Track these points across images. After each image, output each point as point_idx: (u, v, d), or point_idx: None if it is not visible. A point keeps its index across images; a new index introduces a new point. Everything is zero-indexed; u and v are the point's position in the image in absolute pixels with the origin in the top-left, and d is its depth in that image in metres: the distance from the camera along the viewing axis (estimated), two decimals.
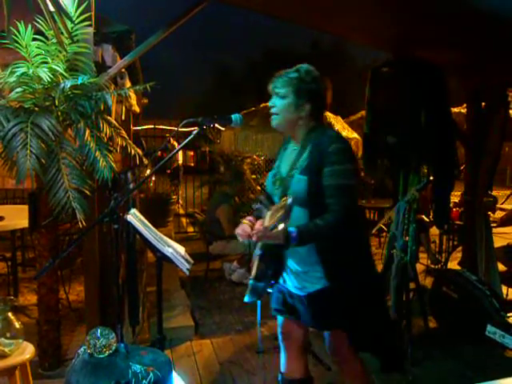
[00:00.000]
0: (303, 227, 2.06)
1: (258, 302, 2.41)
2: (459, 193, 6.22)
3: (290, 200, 2.04)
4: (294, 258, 2.29)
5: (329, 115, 6.27)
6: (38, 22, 2.92)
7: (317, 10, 3.61)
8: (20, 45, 2.91)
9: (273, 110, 2.26)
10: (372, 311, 2.34)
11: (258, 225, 2.10)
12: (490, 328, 3.73)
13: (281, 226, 1.96)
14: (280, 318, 2.56)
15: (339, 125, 6.27)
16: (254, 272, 2.19)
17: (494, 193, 5.37)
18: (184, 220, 9.88)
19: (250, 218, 2.42)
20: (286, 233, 1.99)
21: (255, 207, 2.22)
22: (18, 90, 2.97)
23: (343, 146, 2.18)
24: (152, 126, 12.77)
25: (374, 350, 2.45)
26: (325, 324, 2.32)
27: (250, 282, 2.21)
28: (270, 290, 2.45)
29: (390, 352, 2.47)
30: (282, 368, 2.57)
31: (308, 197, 2.15)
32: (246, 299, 2.28)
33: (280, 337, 2.61)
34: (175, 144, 10.58)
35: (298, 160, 2.23)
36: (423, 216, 6.14)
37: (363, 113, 4.34)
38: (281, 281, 2.39)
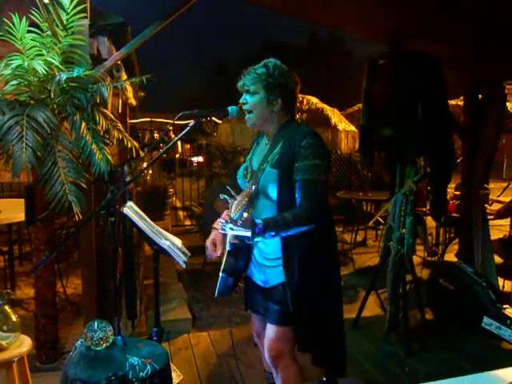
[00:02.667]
0: (270, 219, 2.04)
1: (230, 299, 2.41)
2: (453, 185, 6.22)
3: (253, 188, 2.05)
4: (259, 251, 2.29)
5: (325, 107, 6.24)
6: (32, 14, 2.90)
7: (314, 2, 3.59)
8: (14, 37, 2.89)
9: (245, 107, 2.24)
10: (328, 313, 2.32)
11: (225, 215, 2.09)
12: (486, 320, 3.76)
13: (245, 215, 1.95)
14: (253, 317, 2.57)
15: (336, 117, 6.24)
16: (222, 265, 2.19)
17: (491, 185, 5.37)
18: (181, 213, 9.89)
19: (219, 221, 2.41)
20: (253, 224, 1.97)
21: (221, 197, 2.20)
22: (13, 82, 2.95)
23: (316, 141, 2.16)
24: (149, 119, 12.75)
25: (319, 351, 2.37)
26: (282, 319, 2.26)
27: (220, 275, 2.21)
28: (241, 285, 2.43)
29: (336, 357, 2.40)
30: (266, 367, 2.57)
31: (278, 190, 2.14)
32: (217, 294, 2.27)
33: (254, 335, 2.63)
34: (172, 136, 10.54)
35: (270, 154, 2.22)
36: (423, 208, 6.15)
37: (360, 105, 4.33)
38: (249, 273, 2.40)
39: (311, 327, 2.30)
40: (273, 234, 2.05)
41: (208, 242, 2.38)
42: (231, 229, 1.94)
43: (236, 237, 2.15)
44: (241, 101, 2.25)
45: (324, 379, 2.45)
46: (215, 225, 2.43)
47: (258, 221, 1.99)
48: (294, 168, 2.12)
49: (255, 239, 2.02)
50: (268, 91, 2.19)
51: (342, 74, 26.95)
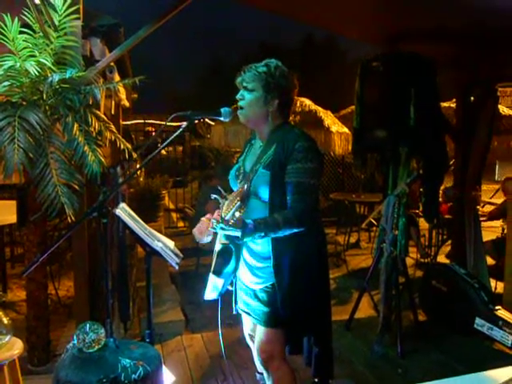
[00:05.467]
0: (260, 219, 2.04)
1: (219, 301, 2.40)
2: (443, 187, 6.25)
3: (246, 187, 2.05)
4: (250, 252, 2.29)
5: (318, 109, 6.27)
6: (24, 15, 2.89)
7: (310, 4, 3.60)
8: (6, 38, 2.88)
9: (241, 103, 2.22)
10: (316, 315, 2.32)
11: (216, 215, 2.09)
12: (478, 321, 3.78)
13: (237, 214, 1.96)
14: (244, 318, 2.56)
15: (329, 119, 6.26)
16: (212, 266, 2.18)
17: (483, 187, 5.39)
18: (174, 215, 9.87)
19: (208, 215, 2.42)
20: (243, 224, 1.97)
21: (212, 197, 2.20)
22: (5, 83, 2.94)
23: (309, 144, 2.16)
24: (142, 121, 12.73)
25: (308, 354, 2.39)
26: (272, 321, 2.25)
27: (210, 277, 2.21)
28: (230, 288, 2.43)
29: (324, 359, 2.39)
30: (258, 368, 2.57)
31: (269, 192, 2.15)
32: (206, 296, 2.27)
33: (247, 338, 2.62)
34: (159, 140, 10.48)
35: (263, 155, 2.22)
36: (416, 210, 6.18)
37: (353, 107, 4.34)
38: (238, 275, 2.40)
39: (300, 329, 2.30)
40: (262, 234, 2.05)
41: (195, 230, 2.36)
42: (222, 228, 1.94)
43: (226, 238, 2.16)
44: (238, 96, 2.24)
45: (316, 380, 2.45)
46: (204, 218, 2.42)
47: (249, 221, 2.00)
48: (287, 170, 2.13)
49: (245, 239, 2.03)
50: (266, 91, 2.18)
51: (335, 75, 27.01)
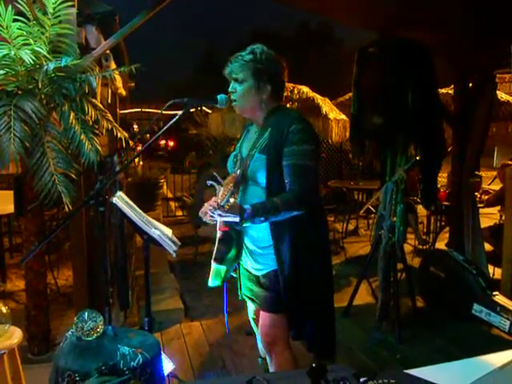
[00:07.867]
0: (258, 204, 2.04)
1: (225, 286, 2.40)
2: (445, 174, 6.24)
3: (238, 172, 2.06)
4: (251, 239, 2.29)
5: (316, 96, 6.24)
6: (18, 3, 2.85)
7: None
8: (0, 26, 2.85)
9: (234, 96, 2.21)
10: (320, 300, 2.33)
11: (212, 201, 2.11)
12: (476, 306, 3.79)
13: (232, 200, 1.95)
14: (248, 304, 2.57)
15: (327, 106, 6.23)
16: (214, 254, 2.19)
17: (482, 174, 5.38)
18: (172, 204, 9.86)
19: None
20: (241, 209, 1.97)
21: (208, 183, 2.20)
22: (0, 72, 2.91)
23: (304, 126, 2.15)
24: (139, 110, 12.70)
25: (311, 339, 2.38)
26: (275, 306, 2.26)
27: (212, 264, 2.21)
28: (234, 275, 2.44)
29: (325, 343, 2.40)
30: (261, 352, 2.58)
31: (266, 176, 2.14)
32: (210, 283, 2.27)
33: (252, 322, 2.63)
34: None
35: (259, 140, 2.21)
36: (415, 197, 6.19)
37: (351, 94, 4.31)
38: (242, 261, 2.40)
39: (303, 314, 2.31)
40: (262, 218, 2.05)
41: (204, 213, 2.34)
42: (220, 215, 1.94)
43: (226, 224, 2.15)
44: (230, 89, 2.22)
45: (313, 365, 2.46)
46: (202, 210, 2.41)
47: (247, 206, 2.00)
48: (283, 153, 2.12)
49: (244, 224, 2.02)
50: (257, 78, 2.17)
51: (332, 62, 26.87)
